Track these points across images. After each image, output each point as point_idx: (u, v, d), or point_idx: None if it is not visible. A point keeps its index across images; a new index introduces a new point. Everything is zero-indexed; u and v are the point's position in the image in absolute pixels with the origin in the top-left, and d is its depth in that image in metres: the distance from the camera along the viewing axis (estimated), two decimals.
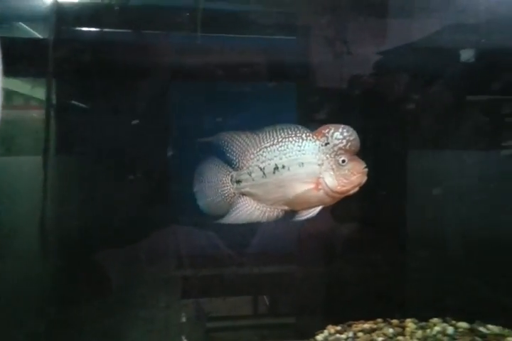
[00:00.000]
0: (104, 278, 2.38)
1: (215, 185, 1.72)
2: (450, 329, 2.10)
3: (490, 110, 2.59)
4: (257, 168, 1.64)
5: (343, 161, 1.56)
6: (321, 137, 1.58)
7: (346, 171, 1.56)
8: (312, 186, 1.58)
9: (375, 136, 2.45)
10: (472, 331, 2.10)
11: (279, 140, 1.61)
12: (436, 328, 2.10)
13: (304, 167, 1.59)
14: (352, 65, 2.54)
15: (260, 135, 1.64)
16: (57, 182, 2.27)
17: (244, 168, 1.67)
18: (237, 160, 1.68)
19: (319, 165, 1.58)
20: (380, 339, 2.00)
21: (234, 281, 2.51)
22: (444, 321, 2.18)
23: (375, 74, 2.53)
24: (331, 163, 1.57)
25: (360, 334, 2.03)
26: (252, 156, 1.65)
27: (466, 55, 2.54)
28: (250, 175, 1.65)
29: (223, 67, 2.38)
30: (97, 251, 2.36)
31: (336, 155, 1.57)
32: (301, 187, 1.59)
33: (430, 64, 2.50)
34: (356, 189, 1.58)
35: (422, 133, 2.66)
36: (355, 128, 1.59)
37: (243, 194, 1.69)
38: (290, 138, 1.60)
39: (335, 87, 2.52)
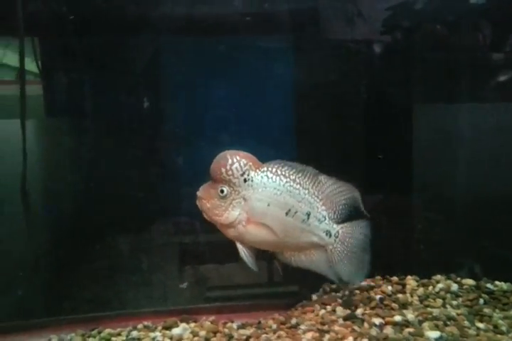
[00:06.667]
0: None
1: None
2: (454, 286, 1.97)
3: None
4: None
5: None
6: None
7: None
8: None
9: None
10: (478, 288, 1.98)
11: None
12: (440, 285, 1.98)
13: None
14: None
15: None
16: None
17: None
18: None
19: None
20: (378, 296, 1.89)
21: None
22: (448, 278, 2.05)
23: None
24: None
25: (356, 292, 1.93)
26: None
27: None
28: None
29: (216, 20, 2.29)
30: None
31: None
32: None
33: None
34: None
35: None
36: None
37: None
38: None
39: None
